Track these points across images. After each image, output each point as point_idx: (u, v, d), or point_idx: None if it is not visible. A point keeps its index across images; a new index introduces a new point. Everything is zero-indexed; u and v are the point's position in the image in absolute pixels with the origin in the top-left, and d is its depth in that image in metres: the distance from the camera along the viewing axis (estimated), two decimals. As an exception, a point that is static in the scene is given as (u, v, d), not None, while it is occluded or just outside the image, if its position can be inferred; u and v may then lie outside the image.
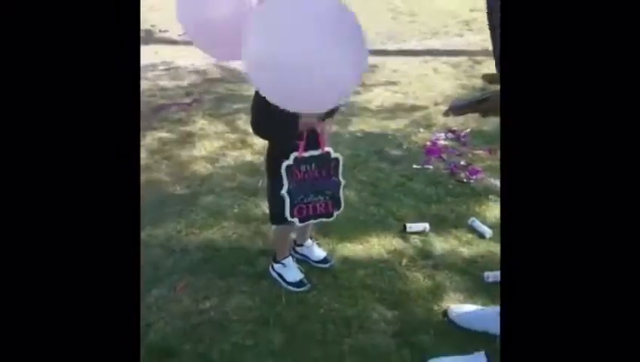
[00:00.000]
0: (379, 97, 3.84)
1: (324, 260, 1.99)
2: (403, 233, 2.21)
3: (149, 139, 2.93)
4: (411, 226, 2.24)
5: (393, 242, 2.17)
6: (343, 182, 1.72)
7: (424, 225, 2.25)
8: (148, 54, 4.38)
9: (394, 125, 3.34)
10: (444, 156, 2.93)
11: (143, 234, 2.13)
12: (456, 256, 2.09)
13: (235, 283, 1.89)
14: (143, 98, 3.51)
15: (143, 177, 2.56)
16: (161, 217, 2.25)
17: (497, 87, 1.14)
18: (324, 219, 1.78)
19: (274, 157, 1.70)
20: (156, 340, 1.64)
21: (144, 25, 5.27)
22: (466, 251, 2.11)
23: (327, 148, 1.65)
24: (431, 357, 1.58)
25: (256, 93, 1.62)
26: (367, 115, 3.51)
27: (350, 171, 2.70)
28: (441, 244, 2.17)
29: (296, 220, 1.70)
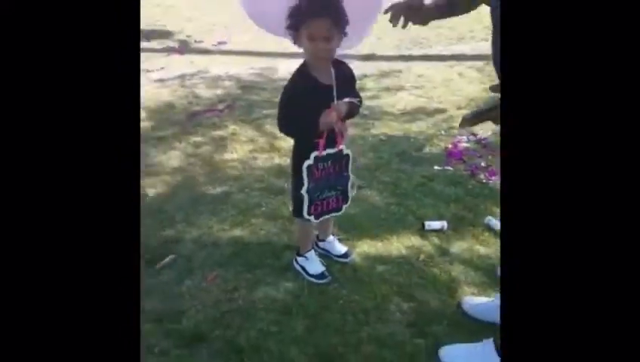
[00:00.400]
0: (402, 101, 3.94)
1: (345, 255, 2.12)
2: (422, 231, 2.31)
3: (184, 143, 3.13)
4: (430, 224, 2.34)
5: (412, 239, 2.27)
6: (351, 177, 1.83)
7: (442, 224, 2.34)
8: (184, 64, 4.62)
9: (416, 128, 3.44)
10: (464, 158, 3.01)
11: (176, 230, 2.31)
12: (472, 253, 2.18)
13: (262, 275, 2.04)
14: (179, 105, 3.73)
15: (179, 177, 2.76)
16: (195, 215, 2.42)
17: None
18: (334, 214, 1.90)
19: (297, 156, 1.82)
20: (189, 326, 1.79)
21: (180, 36, 5.53)
22: (482, 248, 2.19)
23: (341, 146, 1.77)
24: (443, 345, 1.68)
25: (283, 91, 1.75)
26: (390, 118, 3.61)
27: (372, 173, 2.83)
28: (458, 242, 2.26)
29: (312, 218, 1.82)
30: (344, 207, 1.89)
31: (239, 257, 2.14)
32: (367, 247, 2.21)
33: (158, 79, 4.21)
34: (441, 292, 1.96)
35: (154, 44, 5.24)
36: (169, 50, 5.01)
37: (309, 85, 1.70)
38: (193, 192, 2.62)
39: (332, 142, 1.75)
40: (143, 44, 5.21)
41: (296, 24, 1.62)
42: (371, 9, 1.69)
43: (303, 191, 1.76)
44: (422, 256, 2.16)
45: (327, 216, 1.92)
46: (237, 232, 2.31)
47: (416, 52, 5.27)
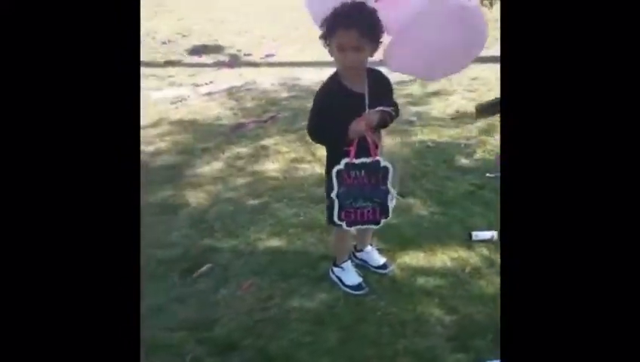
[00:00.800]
0: (454, 105, 3.78)
1: (384, 266, 2.02)
2: (468, 241, 2.17)
3: (227, 153, 3.16)
4: (477, 234, 2.19)
5: (458, 250, 2.14)
6: (392, 191, 1.75)
7: (492, 233, 2.19)
8: (233, 77, 4.71)
9: (467, 133, 3.28)
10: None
11: (215, 239, 2.30)
12: (523, 265, 2.01)
13: (297, 284, 1.98)
14: (224, 117, 3.78)
15: (220, 187, 2.77)
16: (234, 224, 2.41)
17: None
18: (371, 226, 1.83)
19: (329, 163, 1.79)
20: (221, 335, 1.77)
21: (230, 50, 5.67)
22: (534, 259, 2.02)
23: (377, 157, 1.70)
24: (485, 360, 1.55)
25: (314, 99, 1.73)
26: (440, 123, 3.47)
27: (417, 181, 2.71)
28: (508, 252, 2.10)
29: (343, 223, 1.76)
30: (382, 220, 1.80)
31: (275, 266, 2.10)
32: (408, 259, 2.11)
33: (207, 93, 4.30)
34: (487, 305, 1.82)
35: (205, 58, 5.38)
36: (219, 65, 5.12)
37: (339, 93, 1.68)
38: (233, 202, 2.62)
39: (365, 151, 1.68)
40: (195, 59, 5.38)
41: (326, 34, 1.61)
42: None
43: (333, 195, 1.72)
44: (468, 268, 2.02)
45: (361, 227, 1.85)
46: (274, 242, 2.27)
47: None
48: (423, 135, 3.29)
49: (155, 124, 3.70)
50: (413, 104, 3.83)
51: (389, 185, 1.75)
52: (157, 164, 3.09)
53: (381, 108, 1.67)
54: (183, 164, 3.07)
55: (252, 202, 2.61)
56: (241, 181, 2.83)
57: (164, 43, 6.09)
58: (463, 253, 2.11)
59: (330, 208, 1.77)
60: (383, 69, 1.78)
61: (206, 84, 4.51)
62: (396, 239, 2.21)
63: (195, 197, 2.68)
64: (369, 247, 2.07)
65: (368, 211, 1.78)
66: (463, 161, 2.92)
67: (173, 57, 5.51)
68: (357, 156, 1.69)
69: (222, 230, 2.38)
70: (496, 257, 2.08)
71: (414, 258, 2.11)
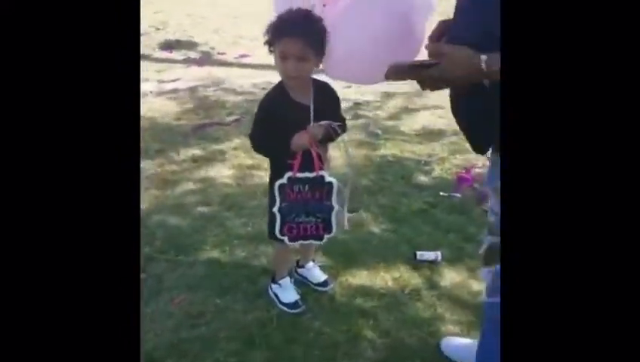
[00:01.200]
0: (421, 121, 3.77)
1: (324, 283, 1.97)
2: (413, 261, 2.14)
3: (182, 156, 3.08)
4: (422, 254, 2.16)
5: (401, 270, 2.10)
6: (336, 206, 1.71)
7: (436, 254, 2.16)
8: (202, 75, 4.63)
9: (430, 150, 3.26)
10: (476, 185, 2.81)
11: (154, 248, 2.22)
12: (463, 289, 1.99)
13: (232, 301, 1.92)
14: (186, 117, 3.70)
15: (168, 192, 2.69)
16: (176, 234, 2.34)
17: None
18: (314, 242, 1.78)
19: (271, 175, 1.74)
20: (142, 351, 1.69)
21: (204, 47, 5.57)
22: (475, 284, 2.00)
23: (321, 172, 1.65)
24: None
25: (258, 108, 1.68)
26: (404, 138, 3.45)
27: (373, 196, 2.67)
28: (450, 275, 2.07)
29: (285, 238, 1.72)
30: (326, 236, 1.75)
31: (212, 280, 2.03)
32: (350, 276, 2.06)
33: (171, 90, 4.21)
34: (422, 329, 1.79)
35: (175, 54, 5.29)
36: (189, 62, 5.03)
37: (283, 104, 1.63)
38: (179, 208, 2.54)
39: (309, 165, 1.63)
40: (165, 55, 5.27)
41: (270, 41, 1.56)
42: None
43: (275, 209, 1.68)
44: (408, 290, 1.99)
45: (304, 242, 1.80)
46: (215, 253, 2.20)
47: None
48: (386, 149, 3.27)
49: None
50: (383, 118, 3.81)
51: (334, 202, 1.70)
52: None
53: (326, 122, 1.62)
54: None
55: (200, 209, 2.54)
56: (191, 186, 2.75)
57: (137, 36, 5.97)
58: (405, 273, 2.08)
59: (272, 222, 1.72)
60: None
61: (172, 81, 4.42)
62: (342, 255, 2.17)
63: (140, 201, 2.60)
64: (311, 263, 2.02)
65: (311, 226, 1.73)
66: (421, 178, 2.90)
67: (143, 51, 5.39)
68: (300, 170, 1.64)
69: (162, 238, 2.30)
70: (439, 279, 2.05)
71: (357, 276, 2.06)
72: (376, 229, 2.39)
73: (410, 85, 4.56)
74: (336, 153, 1.78)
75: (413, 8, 1.45)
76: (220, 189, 2.72)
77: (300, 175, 1.64)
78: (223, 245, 2.25)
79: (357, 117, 3.78)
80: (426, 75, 1.12)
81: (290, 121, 1.61)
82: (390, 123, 3.73)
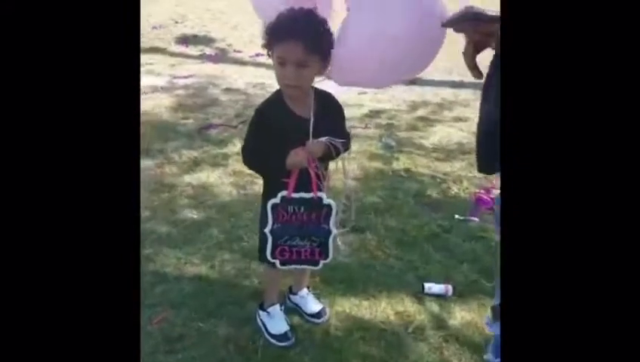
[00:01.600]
0: (439, 134, 3.55)
1: (318, 314, 1.78)
2: (420, 293, 1.94)
3: (184, 158, 2.92)
4: (431, 287, 1.96)
5: (406, 303, 1.90)
6: (334, 231, 1.52)
7: (447, 288, 1.96)
8: (215, 73, 4.48)
9: (447, 167, 3.04)
10: (495, 208, 2.59)
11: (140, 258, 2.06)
12: (475, 330, 1.78)
13: (216, 325, 1.74)
14: (194, 116, 3.54)
15: (164, 196, 2.53)
16: (167, 241, 2.17)
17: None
18: (309, 267, 1.60)
19: (264, 192, 1.57)
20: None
21: (220, 44, 5.43)
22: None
23: (319, 193, 1.47)
24: None
25: (252, 118, 1.50)
26: (420, 153, 3.24)
27: (381, 215, 2.47)
28: (461, 313, 1.86)
29: (276, 262, 1.54)
30: (322, 262, 1.57)
31: (198, 299, 1.86)
32: (348, 306, 1.87)
33: (182, 86, 4.07)
34: (424, 378, 1.58)
35: (191, 49, 5.15)
36: (203, 58, 4.89)
37: (280, 115, 1.44)
38: (172, 215, 2.38)
39: (306, 184, 1.45)
40: (180, 49, 5.14)
41: (268, 45, 1.38)
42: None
43: (267, 230, 1.51)
44: (412, 327, 1.79)
45: (297, 267, 1.62)
46: (204, 268, 2.03)
47: (467, 78, 4.82)
48: (399, 163, 3.06)
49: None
50: (399, 128, 3.60)
51: (332, 225, 1.51)
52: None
53: (327, 138, 1.44)
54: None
55: (194, 216, 2.37)
56: (188, 191, 2.58)
57: (154, 28, 5.86)
58: (410, 307, 1.88)
59: (263, 244, 1.55)
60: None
61: (184, 77, 4.27)
62: (341, 282, 1.97)
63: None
64: (305, 291, 1.83)
65: (306, 251, 1.55)
66: (435, 197, 2.68)
67: (159, 44, 5.27)
68: (296, 190, 1.46)
69: (151, 247, 2.13)
70: (448, 317, 1.85)
71: (355, 307, 1.87)
72: (380, 254, 2.18)
73: (431, 93, 4.35)
74: (335, 165, 1.58)
75: (427, 10, 1.30)
76: (218, 196, 2.55)
77: (295, 195, 1.46)
78: (213, 259, 2.08)
79: (371, 126, 3.58)
80: (487, 31, 1.07)
81: (286, 135, 1.44)
82: (406, 134, 3.52)
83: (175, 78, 4.25)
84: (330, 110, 1.50)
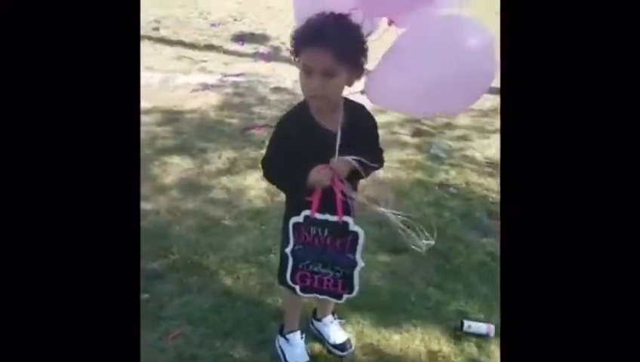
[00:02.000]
0: (496, 146, 3.28)
1: (342, 346, 1.63)
2: (459, 331, 1.74)
3: (224, 158, 2.84)
4: (471, 325, 1.76)
5: (441, 341, 1.71)
6: (360, 264, 1.36)
7: (489, 327, 1.75)
8: (266, 72, 4.41)
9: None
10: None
11: (163, 264, 1.99)
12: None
13: (232, 346, 1.63)
14: (240, 115, 3.48)
15: (199, 198, 2.46)
16: (194, 249, 2.09)
17: None
18: (330, 299, 1.45)
19: (287, 209, 1.44)
20: None
21: (275, 42, 5.37)
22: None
23: (345, 218, 1.32)
24: None
25: (275, 128, 1.37)
26: (471, 167, 3.00)
27: (421, 235, 2.27)
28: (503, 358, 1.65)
29: (297, 288, 1.41)
30: (346, 296, 1.41)
31: (217, 315, 1.76)
32: (376, 339, 1.70)
33: (231, 84, 4.02)
34: None
35: (246, 47, 5.11)
36: (256, 56, 4.84)
37: (305, 127, 1.31)
38: (204, 219, 2.30)
39: (331, 205, 1.30)
40: (235, 47, 5.12)
41: (294, 51, 1.25)
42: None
43: (288, 250, 1.38)
44: (446, 370, 1.60)
45: (318, 297, 1.47)
46: (229, 280, 1.93)
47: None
48: (448, 177, 2.84)
49: (160, 110, 3.46)
50: (450, 138, 3.37)
51: (359, 256, 1.36)
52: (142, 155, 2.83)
53: (353, 158, 1.28)
54: (167, 163, 2.78)
55: (226, 223, 2.28)
56: (222, 195, 2.50)
57: (212, 25, 5.89)
58: (446, 347, 1.69)
59: (283, 265, 1.42)
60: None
61: (235, 75, 4.23)
62: (370, 308, 1.81)
63: (167, 205, 2.39)
64: (329, 318, 1.68)
65: (328, 280, 1.40)
66: (485, 222, 2.45)
67: (215, 42, 5.28)
68: (320, 210, 1.32)
69: (178, 252, 2.06)
70: (488, 361, 1.64)
71: (384, 341, 1.70)
72: (417, 280, 2.00)
73: (488, 100, 4.06)
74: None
75: (480, 49, 1.18)
76: (252, 202, 2.45)
77: (319, 216, 1.32)
78: (239, 271, 1.97)
79: (418, 134, 3.37)
80: None
81: (310, 149, 1.30)
82: (457, 145, 3.28)
83: (226, 76, 4.21)
84: (360, 124, 1.35)
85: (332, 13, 1.17)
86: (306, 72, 1.21)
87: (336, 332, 1.66)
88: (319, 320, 1.68)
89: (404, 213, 1.35)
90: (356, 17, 1.20)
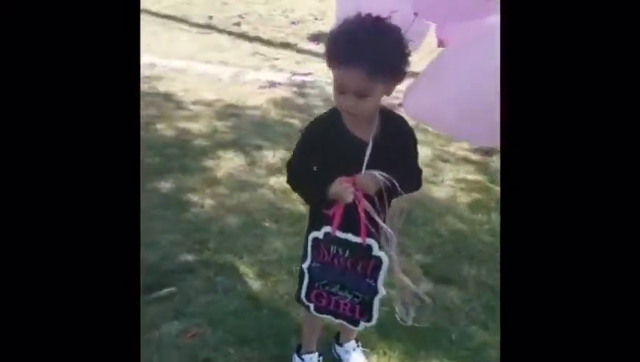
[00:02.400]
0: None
1: (361, 377, 1.50)
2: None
3: (276, 158, 2.79)
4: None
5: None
6: (382, 292, 1.22)
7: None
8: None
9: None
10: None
11: (198, 259, 1.96)
12: None
13: (248, 356, 1.56)
14: (300, 116, 3.42)
15: (245, 197, 2.42)
16: (229, 247, 2.05)
17: None
18: (346, 324, 1.33)
19: (309, 221, 1.36)
20: None
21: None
22: None
23: (369, 241, 1.19)
24: None
25: (304, 132, 1.28)
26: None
27: (471, 259, 2.08)
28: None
29: (311, 306, 1.31)
30: (363, 323, 1.29)
31: (239, 320, 1.69)
32: (402, 374, 1.55)
33: (299, 83, 3.98)
34: None
35: (321, 47, 5.06)
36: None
37: (335, 134, 1.20)
38: (247, 217, 2.25)
39: (353, 224, 1.18)
40: (310, 46, 5.08)
41: (329, 64, 1.14)
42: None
43: (305, 266, 1.29)
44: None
45: (332, 319, 1.35)
46: (258, 284, 1.86)
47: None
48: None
49: (223, 104, 3.48)
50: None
51: (380, 284, 1.22)
52: (193, 145, 2.83)
53: (379, 173, 1.15)
54: (222, 157, 2.77)
55: (266, 224, 2.22)
56: (268, 196, 2.44)
57: (293, 23, 5.91)
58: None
59: (300, 280, 1.33)
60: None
61: (303, 74, 4.19)
62: (399, 339, 1.65)
63: (213, 199, 2.37)
64: (352, 344, 1.56)
65: (345, 304, 1.29)
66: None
67: (292, 40, 5.28)
68: (342, 228, 1.21)
69: (214, 249, 2.03)
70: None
71: (411, 377, 1.55)
72: (462, 317, 1.81)
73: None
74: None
75: None
76: (294, 205, 2.37)
77: (340, 234, 1.21)
78: (270, 276, 1.90)
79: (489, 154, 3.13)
80: None
81: (338, 158, 1.20)
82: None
83: (294, 75, 4.18)
84: (396, 136, 1.23)
85: (369, 17, 1.06)
86: (339, 91, 1.11)
87: (357, 360, 1.53)
88: (341, 345, 1.56)
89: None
90: (396, 20, 1.08)
